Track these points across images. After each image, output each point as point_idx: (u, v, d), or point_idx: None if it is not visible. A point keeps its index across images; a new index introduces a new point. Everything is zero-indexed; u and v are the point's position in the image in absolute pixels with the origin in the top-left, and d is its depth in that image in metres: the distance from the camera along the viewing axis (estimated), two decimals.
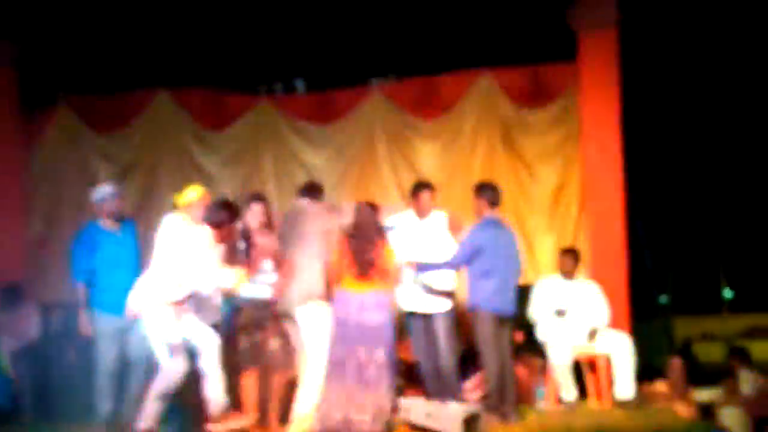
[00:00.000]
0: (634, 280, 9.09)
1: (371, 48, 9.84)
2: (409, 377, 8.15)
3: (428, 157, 9.89)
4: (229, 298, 7.15)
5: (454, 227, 7.68)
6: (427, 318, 7.48)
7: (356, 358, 6.86)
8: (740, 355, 9.44)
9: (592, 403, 8.24)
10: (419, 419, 6.81)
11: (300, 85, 10.35)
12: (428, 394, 7.42)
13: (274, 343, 7.12)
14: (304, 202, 7.51)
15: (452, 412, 6.65)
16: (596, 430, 6.80)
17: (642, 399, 8.13)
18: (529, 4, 9.21)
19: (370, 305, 6.96)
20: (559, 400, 8.18)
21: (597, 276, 8.71)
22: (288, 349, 7.15)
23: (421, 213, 7.62)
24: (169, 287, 6.58)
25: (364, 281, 7.02)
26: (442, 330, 7.42)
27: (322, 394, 6.85)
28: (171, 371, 6.53)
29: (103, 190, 7.75)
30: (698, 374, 8.80)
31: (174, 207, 6.99)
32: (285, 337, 7.16)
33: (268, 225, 7.35)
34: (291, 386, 7.12)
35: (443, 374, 7.43)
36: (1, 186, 9.61)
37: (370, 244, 7.07)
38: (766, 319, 23.13)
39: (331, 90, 10.18)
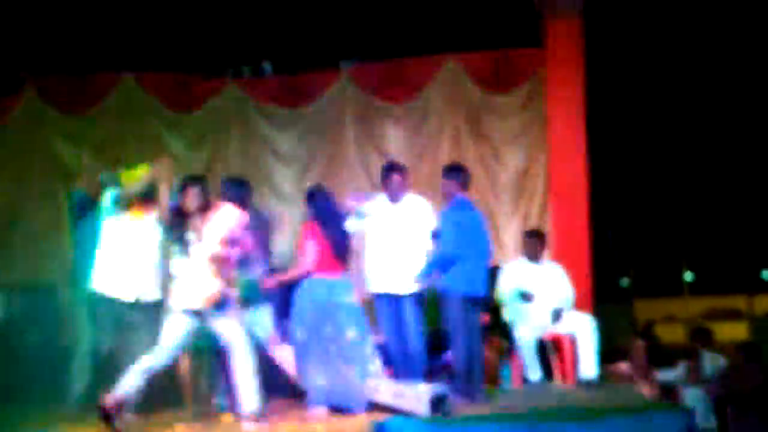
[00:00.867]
0: (597, 263, 9.21)
1: (339, 31, 9.86)
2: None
3: (396, 140, 9.96)
4: None
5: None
6: (396, 299, 7.52)
7: (331, 340, 6.94)
8: (702, 336, 9.62)
9: (556, 383, 8.34)
10: (387, 399, 6.86)
11: (268, 68, 10.35)
12: (396, 375, 7.48)
13: None
14: None
15: (420, 393, 6.70)
16: (561, 410, 6.87)
17: (605, 379, 8.24)
18: None
19: (342, 288, 7.03)
20: (524, 381, 8.27)
21: (560, 258, 8.81)
22: None
23: (393, 196, 7.61)
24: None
25: (338, 266, 7.08)
26: (410, 311, 7.46)
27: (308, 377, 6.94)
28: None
29: None
30: (660, 355, 8.94)
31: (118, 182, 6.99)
32: None
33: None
34: None
35: (411, 355, 7.48)
36: None
37: (343, 229, 7.13)
38: (725, 301, 23.51)
39: (299, 73, 10.20)
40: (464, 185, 7.47)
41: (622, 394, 7.66)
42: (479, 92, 9.74)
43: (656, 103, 10.24)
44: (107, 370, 6.76)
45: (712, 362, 9.35)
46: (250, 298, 7.11)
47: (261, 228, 7.44)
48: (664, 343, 11.06)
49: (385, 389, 6.92)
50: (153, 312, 6.92)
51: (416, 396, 6.68)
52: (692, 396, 8.70)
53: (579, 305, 8.51)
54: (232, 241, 6.68)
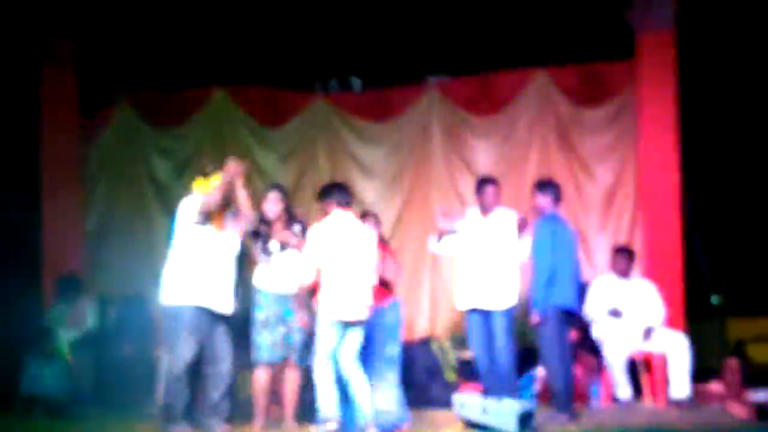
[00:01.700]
0: (689, 280, 9.04)
1: (427, 46, 9.85)
2: (467, 373, 8.20)
3: (483, 154, 9.93)
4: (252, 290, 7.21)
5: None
6: (486, 314, 7.49)
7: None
8: None
9: (647, 402, 8.22)
10: (475, 415, 6.85)
11: (356, 82, 10.44)
12: (485, 391, 7.45)
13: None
14: None
15: (508, 409, 6.67)
16: (651, 429, 6.77)
17: (697, 399, 8.09)
18: (587, 2, 9.18)
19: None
20: (614, 399, 8.17)
21: (652, 275, 8.68)
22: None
23: (485, 209, 7.59)
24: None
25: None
26: (500, 327, 7.41)
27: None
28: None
29: None
30: (752, 375, 8.73)
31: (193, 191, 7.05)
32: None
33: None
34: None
35: (500, 371, 7.44)
36: (62, 182, 9.76)
37: None
38: None
39: (386, 88, 10.26)
40: (556, 201, 7.42)
41: (715, 414, 7.52)
42: (569, 106, 9.66)
43: (755, 116, 9.99)
44: (190, 381, 6.91)
45: None
46: None
47: None
48: (755, 363, 10.77)
49: (473, 404, 6.91)
50: (232, 323, 7.03)
51: (504, 412, 6.65)
52: None
53: (671, 323, 8.38)
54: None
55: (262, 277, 7.12)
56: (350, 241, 6.66)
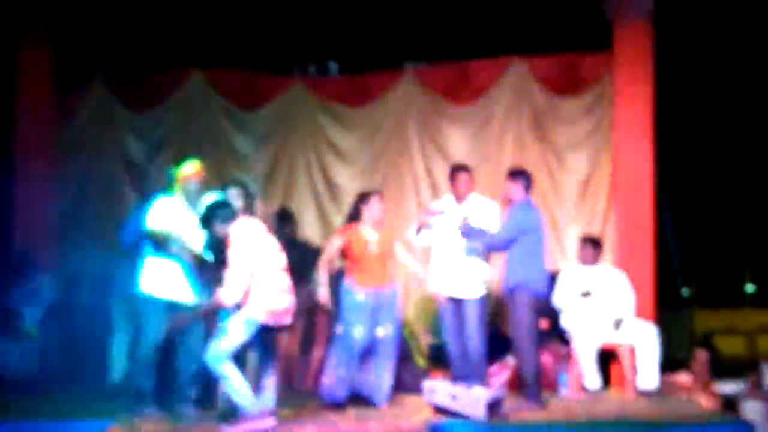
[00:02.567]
0: (659, 271, 9.09)
1: (405, 31, 9.84)
2: (437, 359, 8.23)
3: (458, 142, 9.94)
4: None
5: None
6: (458, 302, 7.51)
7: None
8: None
9: (615, 392, 8.27)
10: (444, 401, 6.87)
11: (333, 67, 10.40)
12: (454, 378, 7.48)
13: None
14: None
15: (477, 396, 6.70)
16: (619, 419, 6.82)
17: (665, 390, 8.15)
18: None
19: None
20: (583, 388, 8.21)
21: (624, 264, 8.71)
22: None
23: (459, 196, 7.63)
24: None
25: None
26: (472, 315, 7.44)
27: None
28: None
29: None
30: (719, 367, 8.80)
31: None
32: None
33: None
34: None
35: (471, 358, 7.47)
36: (34, 161, 9.66)
37: None
38: None
39: (364, 73, 10.23)
40: (527, 189, 7.45)
41: (682, 405, 7.57)
42: (545, 96, 9.68)
43: (730, 108, 10.05)
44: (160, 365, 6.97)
45: None
46: None
47: None
48: (722, 355, 10.88)
49: (443, 391, 6.93)
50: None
51: (473, 399, 6.68)
52: (754, 409, 8.55)
53: (641, 313, 8.43)
54: None
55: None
56: (268, 245, 6.58)
